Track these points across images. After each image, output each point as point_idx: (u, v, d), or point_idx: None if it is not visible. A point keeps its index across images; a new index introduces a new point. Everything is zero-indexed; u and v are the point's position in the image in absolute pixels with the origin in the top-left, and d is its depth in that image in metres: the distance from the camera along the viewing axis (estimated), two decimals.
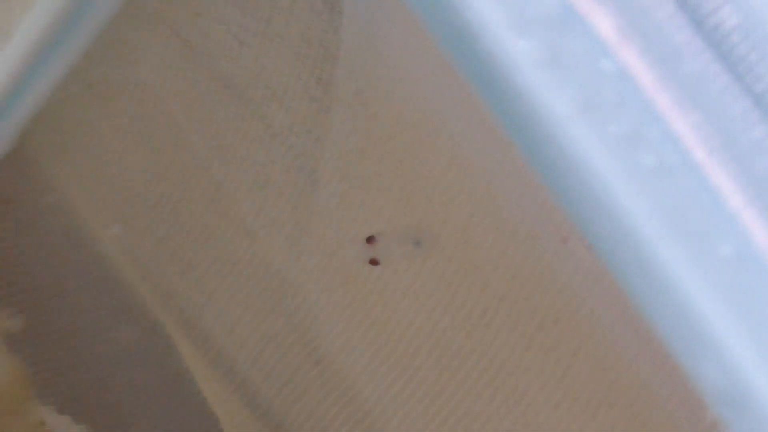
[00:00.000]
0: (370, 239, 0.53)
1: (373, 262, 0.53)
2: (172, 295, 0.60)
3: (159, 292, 0.60)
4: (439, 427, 0.55)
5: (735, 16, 0.29)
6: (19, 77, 0.60)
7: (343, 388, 0.56)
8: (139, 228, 0.61)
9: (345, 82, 0.52)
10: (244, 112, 0.56)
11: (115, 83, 0.60)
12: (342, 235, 0.54)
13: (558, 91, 0.28)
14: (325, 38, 0.51)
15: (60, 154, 0.64)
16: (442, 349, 0.54)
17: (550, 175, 0.29)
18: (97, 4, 0.54)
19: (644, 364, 0.49)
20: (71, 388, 0.64)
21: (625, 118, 0.28)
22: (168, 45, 0.57)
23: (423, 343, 0.54)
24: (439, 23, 0.28)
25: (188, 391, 0.62)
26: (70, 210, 0.64)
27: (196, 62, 0.56)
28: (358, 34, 0.51)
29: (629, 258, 0.28)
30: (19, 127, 0.63)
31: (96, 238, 0.63)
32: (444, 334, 0.53)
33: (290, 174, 0.55)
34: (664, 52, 0.28)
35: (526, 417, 0.53)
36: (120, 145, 0.61)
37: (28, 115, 0.62)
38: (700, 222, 0.28)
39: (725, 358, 0.28)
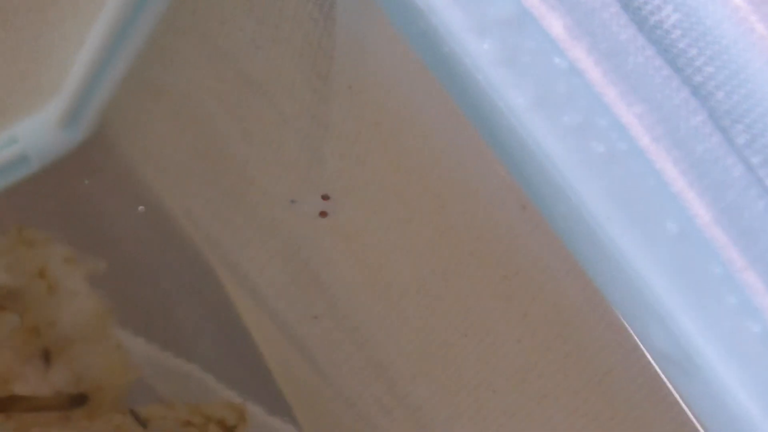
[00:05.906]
0: (324, 197, 0.59)
1: (323, 214, 0.60)
2: (218, 244, 0.70)
3: (209, 242, 0.71)
4: (420, 351, 0.61)
5: (675, 14, 0.30)
6: (90, 76, 0.70)
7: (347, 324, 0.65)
8: (191, 193, 0.70)
9: (339, 77, 0.58)
10: (262, 102, 0.63)
11: (163, 82, 0.68)
12: (342, 202, 0.61)
13: (516, 87, 0.29)
14: (322, 41, 0.57)
15: (131, 140, 0.74)
16: (425, 292, 0.60)
17: (510, 161, 0.30)
18: (143, 17, 0.63)
19: (591, 310, 0.53)
20: (144, 316, 0.74)
21: (577, 109, 0.29)
22: (200, 49, 0.64)
23: (410, 287, 0.61)
24: (411, 27, 0.30)
25: (230, 317, 0.73)
26: (141, 181, 0.74)
27: (222, 62, 0.64)
28: (349, 37, 0.56)
29: (581, 234, 0.29)
30: (95, 117, 0.73)
31: (160, 198, 0.73)
32: (427, 280, 0.60)
33: (300, 152, 0.62)
34: (610, 48, 0.29)
35: (494, 348, 0.59)
36: (172, 130, 0.70)
37: (102, 106, 0.72)
38: (646, 202, 0.29)
39: (668, 324, 0.29)
